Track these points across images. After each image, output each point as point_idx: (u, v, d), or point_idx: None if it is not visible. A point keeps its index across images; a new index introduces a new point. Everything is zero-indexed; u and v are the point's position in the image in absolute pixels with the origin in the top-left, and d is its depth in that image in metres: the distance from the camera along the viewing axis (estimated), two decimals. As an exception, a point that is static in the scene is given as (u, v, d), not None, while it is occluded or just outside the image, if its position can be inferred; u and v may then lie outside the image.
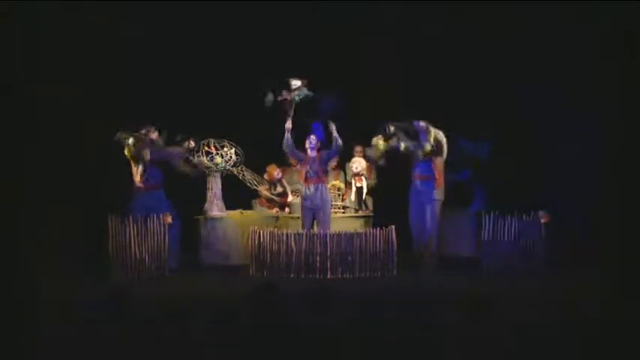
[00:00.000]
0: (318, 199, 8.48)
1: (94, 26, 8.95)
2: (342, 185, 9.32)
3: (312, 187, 8.49)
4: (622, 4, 8.13)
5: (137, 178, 8.39)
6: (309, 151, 8.59)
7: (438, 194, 8.59)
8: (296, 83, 8.53)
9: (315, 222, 8.56)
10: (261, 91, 8.54)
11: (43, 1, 8.32)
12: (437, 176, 8.54)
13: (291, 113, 8.52)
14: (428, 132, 8.49)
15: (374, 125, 8.93)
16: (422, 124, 8.53)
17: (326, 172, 8.67)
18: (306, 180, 8.56)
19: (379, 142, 8.74)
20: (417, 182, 8.68)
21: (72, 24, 8.68)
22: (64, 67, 8.73)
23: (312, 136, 8.60)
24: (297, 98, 8.53)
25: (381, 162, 9.00)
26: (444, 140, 8.54)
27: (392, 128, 8.64)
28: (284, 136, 8.55)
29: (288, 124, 8.55)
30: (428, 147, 8.47)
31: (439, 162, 8.57)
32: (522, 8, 8.98)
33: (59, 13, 8.48)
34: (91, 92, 9.06)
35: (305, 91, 8.52)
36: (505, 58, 9.37)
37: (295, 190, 9.30)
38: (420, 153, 8.53)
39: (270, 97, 8.53)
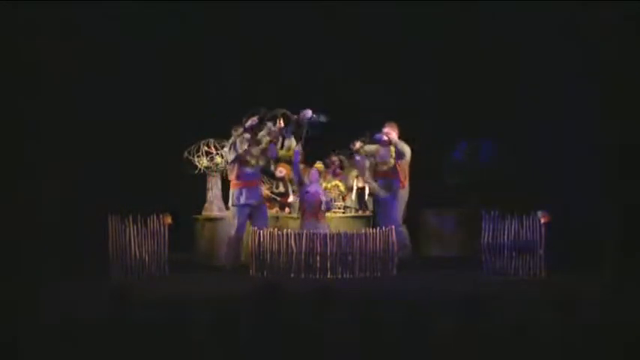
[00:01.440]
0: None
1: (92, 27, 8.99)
2: (343, 187, 9.31)
3: (309, 222, 8.49)
4: (622, 4, 8.13)
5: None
6: (310, 184, 8.62)
7: (402, 194, 8.59)
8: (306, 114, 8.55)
9: None
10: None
11: None
12: (401, 178, 8.53)
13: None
14: (389, 145, 8.53)
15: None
16: (383, 137, 8.56)
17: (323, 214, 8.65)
18: (304, 213, 8.57)
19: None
20: (381, 182, 8.72)
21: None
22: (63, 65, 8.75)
23: (315, 171, 8.69)
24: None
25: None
26: (407, 152, 8.55)
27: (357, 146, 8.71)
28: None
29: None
30: (391, 162, 8.59)
31: (404, 164, 8.57)
32: (523, 8, 8.99)
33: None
34: (92, 91, 9.07)
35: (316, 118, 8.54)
36: (504, 57, 9.38)
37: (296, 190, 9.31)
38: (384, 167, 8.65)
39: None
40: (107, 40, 9.18)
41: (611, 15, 8.26)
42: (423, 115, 9.37)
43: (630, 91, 8.24)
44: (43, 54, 8.49)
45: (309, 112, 8.52)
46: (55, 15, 8.53)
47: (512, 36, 9.24)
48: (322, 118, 8.55)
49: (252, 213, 8.53)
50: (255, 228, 8.23)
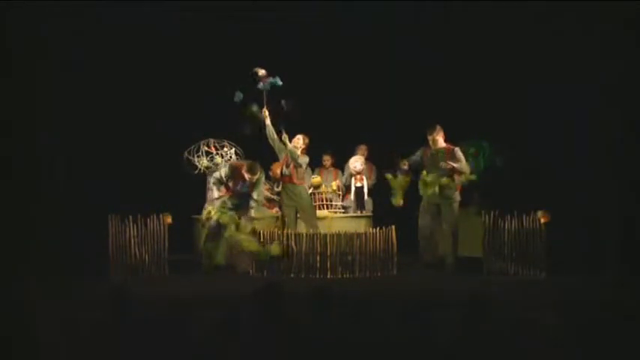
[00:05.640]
0: (297, 197, 8.55)
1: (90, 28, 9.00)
2: (339, 184, 9.33)
3: (289, 186, 8.55)
4: (622, 4, 8.13)
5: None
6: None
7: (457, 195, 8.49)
8: (262, 72, 8.48)
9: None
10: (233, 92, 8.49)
11: None
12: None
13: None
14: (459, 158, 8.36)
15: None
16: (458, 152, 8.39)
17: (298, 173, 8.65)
18: (283, 178, 8.59)
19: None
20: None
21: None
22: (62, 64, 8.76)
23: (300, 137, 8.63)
24: (267, 87, 8.46)
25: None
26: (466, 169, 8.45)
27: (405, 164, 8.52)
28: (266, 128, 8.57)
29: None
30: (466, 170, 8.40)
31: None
32: (520, 6, 9.00)
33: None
34: (92, 90, 9.09)
35: (273, 80, 8.47)
36: (503, 57, 9.39)
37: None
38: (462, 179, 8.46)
39: (239, 95, 8.48)
40: (107, 38, 9.18)
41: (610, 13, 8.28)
42: (423, 114, 9.34)
43: (630, 89, 8.25)
44: (42, 53, 8.49)
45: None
46: (53, 14, 8.54)
47: (512, 36, 9.25)
48: (279, 82, 8.46)
49: None
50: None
